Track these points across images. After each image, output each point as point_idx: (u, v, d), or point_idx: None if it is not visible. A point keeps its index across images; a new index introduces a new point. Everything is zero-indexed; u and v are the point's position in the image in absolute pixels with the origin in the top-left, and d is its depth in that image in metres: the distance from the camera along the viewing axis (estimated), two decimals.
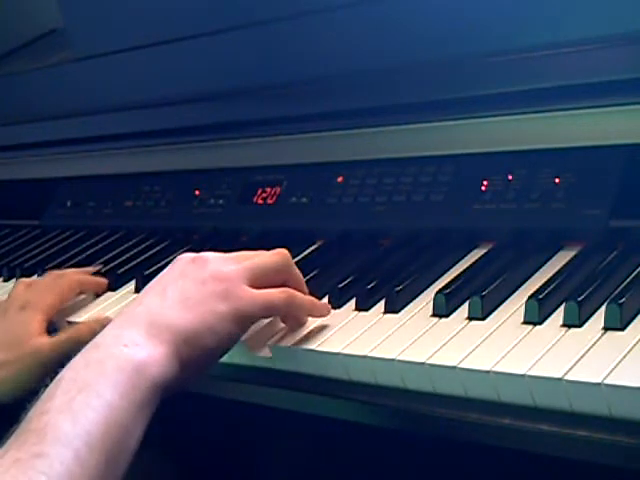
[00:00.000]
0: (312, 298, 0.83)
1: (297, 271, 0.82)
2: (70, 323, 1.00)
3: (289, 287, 0.80)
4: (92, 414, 0.64)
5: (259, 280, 0.77)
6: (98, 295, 1.05)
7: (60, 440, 0.62)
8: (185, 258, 0.78)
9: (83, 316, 1.01)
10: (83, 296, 1.05)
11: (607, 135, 0.85)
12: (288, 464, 1.07)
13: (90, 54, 1.25)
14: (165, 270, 0.78)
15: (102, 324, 0.92)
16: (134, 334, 0.70)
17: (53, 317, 0.99)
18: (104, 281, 1.07)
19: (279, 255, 0.81)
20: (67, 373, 0.67)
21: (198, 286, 0.74)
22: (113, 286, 1.06)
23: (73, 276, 1.05)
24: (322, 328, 0.82)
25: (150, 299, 0.74)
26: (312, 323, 0.84)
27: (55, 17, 1.40)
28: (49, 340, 0.94)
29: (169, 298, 0.73)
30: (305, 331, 0.82)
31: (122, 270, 1.09)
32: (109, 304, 1.02)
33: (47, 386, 0.67)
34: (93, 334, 0.88)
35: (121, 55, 1.21)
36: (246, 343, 0.82)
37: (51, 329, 0.97)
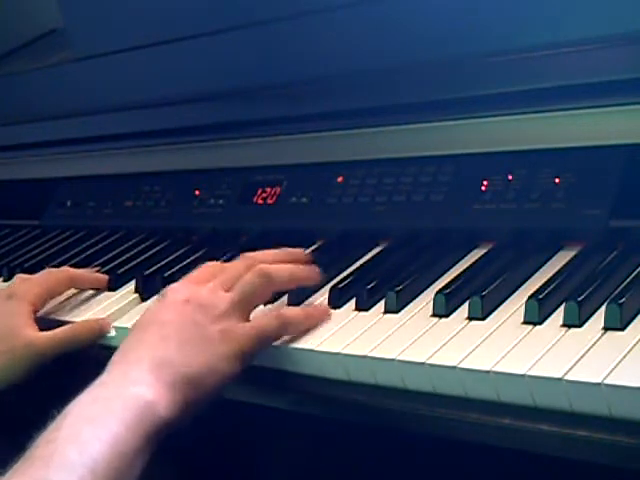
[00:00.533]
0: (306, 310, 0.83)
1: (282, 275, 0.83)
2: (61, 323, 1.00)
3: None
4: (99, 445, 0.65)
5: (250, 305, 0.80)
6: (97, 294, 1.06)
7: (66, 467, 0.63)
8: (176, 295, 0.78)
9: (82, 315, 1.01)
10: (87, 293, 1.06)
11: (607, 135, 0.85)
12: (288, 464, 1.07)
13: (90, 54, 1.25)
14: (156, 306, 0.79)
15: (102, 326, 0.92)
16: (141, 375, 0.71)
17: (39, 307, 0.99)
18: (104, 277, 1.07)
19: (259, 273, 0.81)
20: (74, 408, 0.68)
21: (196, 328, 0.75)
22: (113, 286, 1.06)
23: (64, 271, 1.06)
24: (322, 328, 0.82)
25: (151, 338, 0.75)
26: None
27: (55, 17, 1.40)
28: (45, 335, 0.94)
29: (171, 339, 0.74)
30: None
31: (122, 270, 1.09)
32: (109, 304, 1.02)
33: (54, 418, 0.68)
34: (91, 334, 0.89)
35: (121, 55, 1.21)
36: None
37: (40, 323, 0.98)
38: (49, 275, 1.04)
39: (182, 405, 0.71)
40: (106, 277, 1.07)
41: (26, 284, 1.01)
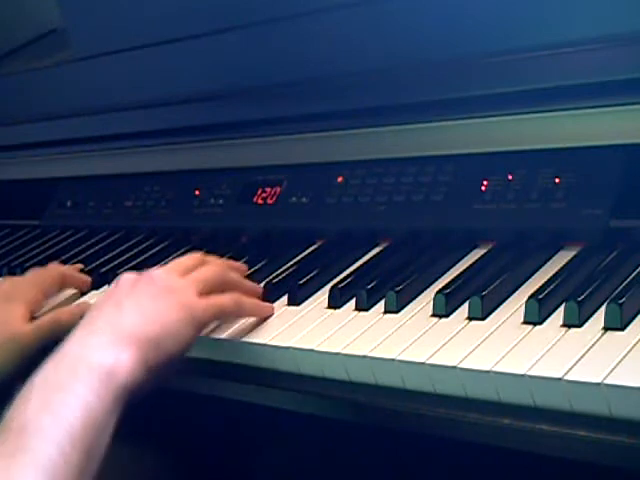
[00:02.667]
0: (257, 301, 0.88)
1: (236, 276, 0.89)
2: None
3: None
4: (70, 412, 0.66)
5: (204, 291, 0.82)
6: (84, 293, 1.07)
7: (42, 434, 0.64)
8: (130, 277, 0.81)
9: None
10: (71, 292, 1.07)
11: (607, 135, 0.85)
12: (288, 464, 1.07)
13: (90, 54, 1.25)
14: (111, 288, 0.81)
15: (82, 309, 0.93)
16: (100, 340, 0.73)
17: (36, 311, 1.00)
18: (87, 279, 1.08)
19: (216, 267, 0.87)
20: (38, 379, 0.70)
21: (154, 299, 0.78)
22: None
23: (55, 270, 1.07)
24: (322, 328, 0.82)
25: (108, 310, 0.77)
26: (311, 323, 0.84)
27: (55, 17, 1.40)
28: (30, 326, 0.95)
29: (128, 310, 0.76)
30: (305, 331, 0.83)
31: (122, 270, 1.08)
32: None
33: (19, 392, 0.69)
34: (74, 318, 0.90)
35: (121, 55, 1.21)
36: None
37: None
38: (43, 275, 1.04)
39: (143, 367, 0.73)
40: (89, 279, 1.08)
41: (22, 287, 1.02)
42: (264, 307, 0.88)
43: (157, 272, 0.82)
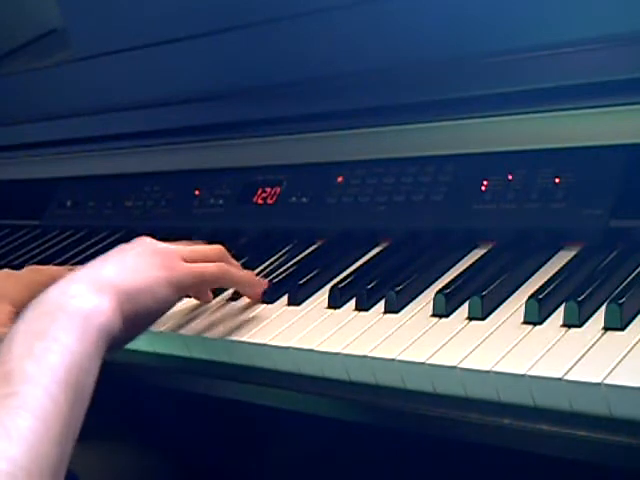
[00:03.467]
0: (248, 273, 0.89)
1: (234, 261, 0.90)
2: None
3: None
4: (53, 356, 0.67)
5: (191, 259, 0.84)
6: None
7: (28, 380, 0.65)
8: (124, 244, 0.84)
9: None
10: None
11: (607, 135, 0.85)
12: (288, 464, 1.07)
13: (90, 54, 1.25)
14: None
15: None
16: (80, 288, 0.74)
17: (20, 308, 0.99)
18: None
19: (215, 249, 0.88)
20: (20, 326, 0.70)
21: (137, 256, 0.80)
22: None
23: (50, 273, 1.06)
24: (322, 328, 0.82)
25: (92, 264, 0.79)
26: (311, 323, 0.84)
27: (55, 17, 1.40)
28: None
29: (110, 264, 0.79)
30: (305, 331, 0.83)
31: None
32: None
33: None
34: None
35: (121, 55, 1.21)
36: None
37: None
38: (36, 276, 1.03)
39: (120, 317, 0.74)
40: None
41: (11, 284, 1.01)
42: (255, 281, 0.88)
43: (149, 240, 0.84)
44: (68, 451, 0.65)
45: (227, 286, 0.91)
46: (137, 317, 0.76)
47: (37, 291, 1.02)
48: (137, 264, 0.79)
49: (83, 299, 0.73)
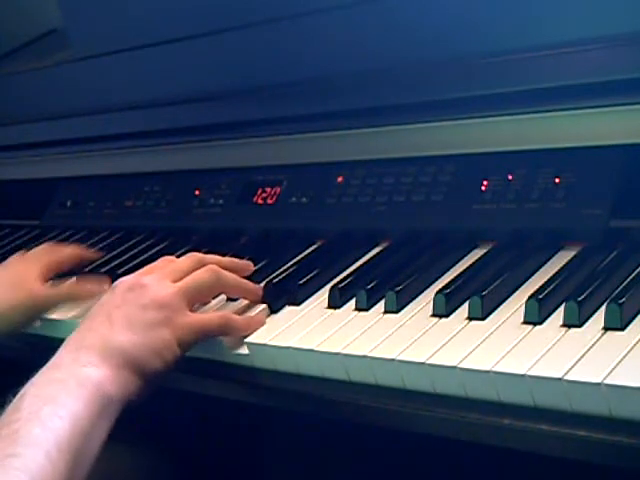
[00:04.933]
0: (247, 319, 0.87)
1: (230, 279, 0.88)
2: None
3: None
4: (59, 421, 0.69)
5: (195, 299, 0.85)
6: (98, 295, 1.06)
7: (32, 443, 0.67)
8: (123, 285, 0.83)
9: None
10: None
11: (607, 135, 0.85)
12: (288, 464, 1.07)
13: (90, 54, 1.25)
14: (105, 297, 0.83)
15: (99, 290, 0.97)
16: (90, 357, 0.76)
17: (48, 275, 1.05)
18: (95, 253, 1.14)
19: (210, 272, 0.86)
20: (30, 389, 0.73)
21: (141, 312, 0.80)
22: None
23: (71, 250, 1.13)
24: (322, 328, 0.82)
25: (98, 325, 0.80)
26: (311, 323, 0.84)
27: (55, 17, 1.40)
28: (46, 289, 1.02)
29: (116, 324, 0.79)
30: (305, 331, 0.82)
31: (122, 270, 1.08)
32: None
33: (11, 401, 0.72)
34: (91, 297, 0.94)
35: (121, 55, 1.21)
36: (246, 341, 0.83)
37: None
38: (58, 248, 1.12)
39: (130, 383, 0.76)
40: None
41: (37, 252, 1.09)
42: (254, 324, 0.87)
43: (149, 279, 0.83)
44: None
45: (228, 335, 0.87)
46: (147, 379, 0.78)
47: (62, 262, 1.09)
48: (142, 322, 0.79)
49: (94, 369, 0.75)
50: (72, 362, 0.75)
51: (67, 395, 0.71)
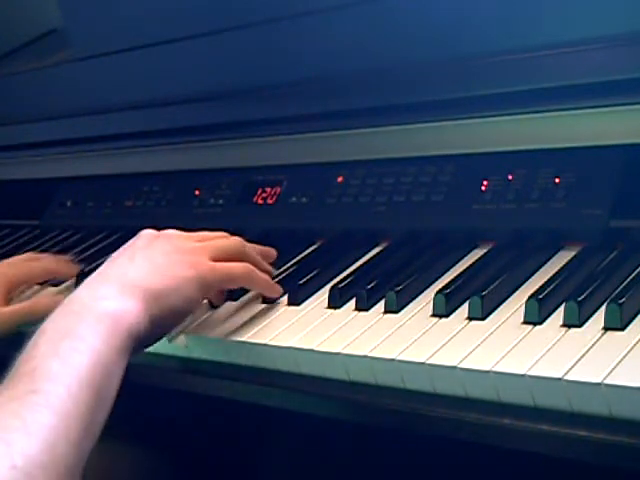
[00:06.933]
0: (268, 278, 0.89)
1: (254, 254, 0.90)
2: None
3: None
4: (78, 356, 0.68)
5: (218, 257, 0.84)
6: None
7: (52, 379, 0.65)
8: (149, 233, 0.84)
9: None
10: (67, 283, 1.10)
11: (607, 135, 0.85)
12: (288, 464, 1.07)
13: (90, 54, 1.25)
14: (131, 241, 0.84)
15: (56, 302, 0.95)
16: (108, 290, 0.75)
17: (13, 292, 1.05)
18: (74, 269, 1.11)
19: (236, 240, 0.88)
20: (48, 325, 0.72)
21: (165, 255, 0.80)
22: None
23: (47, 264, 1.11)
24: (322, 328, 0.82)
25: (120, 262, 0.80)
26: (311, 323, 0.84)
27: (55, 17, 1.40)
28: (6, 309, 1.00)
29: (138, 263, 0.79)
30: (305, 331, 0.83)
31: None
32: None
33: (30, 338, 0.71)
34: (48, 310, 0.93)
35: (121, 55, 1.21)
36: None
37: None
38: (32, 263, 1.09)
39: (147, 319, 0.75)
40: (76, 269, 1.10)
41: (7, 267, 1.07)
42: (274, 286, 0.89)
43: (175, 233, 0.84)
44: (86, 453, 0.65)
45: (247, 287, 0.90)
46: (163, 318, 0.77)
47: (32, 278, 1.08)
48: (165, 263, 0.79)
49: (111, 301, 0.74)
50: (90, 295, 0.74)
51: (85, 329, 0.70)
